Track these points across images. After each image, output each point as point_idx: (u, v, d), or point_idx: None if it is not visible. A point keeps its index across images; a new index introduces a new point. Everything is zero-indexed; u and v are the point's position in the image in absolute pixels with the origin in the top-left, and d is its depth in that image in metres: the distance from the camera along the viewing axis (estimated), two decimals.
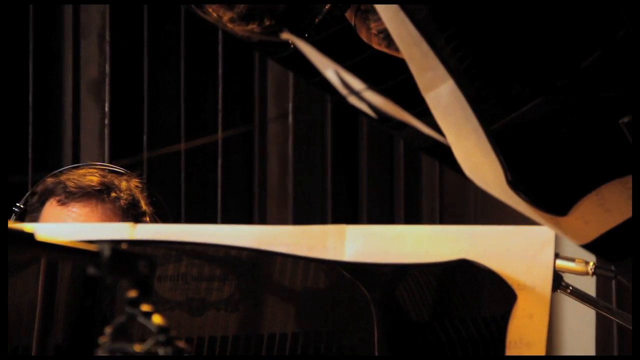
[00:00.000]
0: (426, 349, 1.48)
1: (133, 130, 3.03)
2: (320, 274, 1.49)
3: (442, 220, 2.94)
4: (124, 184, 2.12)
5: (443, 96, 1.20)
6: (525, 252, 1.49)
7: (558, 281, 1.65)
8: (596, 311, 1.95)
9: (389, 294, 1.49)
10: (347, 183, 3.06)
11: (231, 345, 1.43)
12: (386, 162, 3.06)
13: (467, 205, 2.98)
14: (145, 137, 3.01)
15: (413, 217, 2.99)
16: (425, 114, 1.22)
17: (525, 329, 1.48)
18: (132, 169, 2.22)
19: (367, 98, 1.28)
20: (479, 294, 1.50)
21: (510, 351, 1.47)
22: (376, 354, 1.45)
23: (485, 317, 1.50)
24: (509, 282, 1.48)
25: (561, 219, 1.21)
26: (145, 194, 2.14)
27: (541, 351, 1.47)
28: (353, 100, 1.28)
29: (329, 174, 3.02)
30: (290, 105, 3.02)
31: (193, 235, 1.46)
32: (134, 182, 2.14)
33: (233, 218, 3.00)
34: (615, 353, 2.66)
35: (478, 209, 2.94)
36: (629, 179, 1.19)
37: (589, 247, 1.27)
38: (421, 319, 1.50)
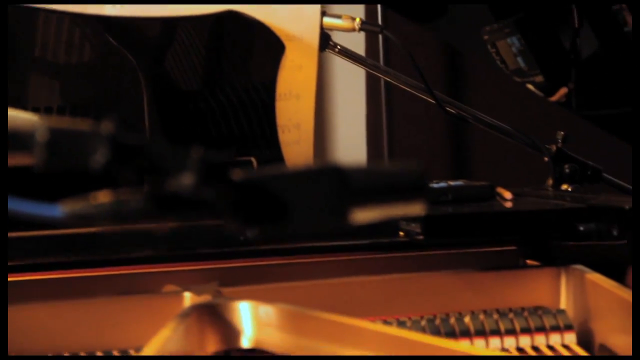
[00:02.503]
0: (197, 116, 1.47)
1: None
2: (85, 44, 1.44)
3: None
4: None
5: None
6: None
7: (326, 40, 1.65)
8: (365, 70, 1.97)
9: (156, 61, 1.46)
10: None
11: None
12: None
13: None
14: None
15: None
16: None
17: (294, 81, 1.49)
18: None
19: None
20: (248, 47, 1.49)
21: (279, 103, 1.48)
22: (147, 124, 1.43)
23: (254, 82, 1.49)
24: (277, 32, 1.47)
25: None
26: None
27: (310, 102, 1.49)
28: None
29: None
30: None
31: None
32: None
33: None
34: (383, 105, 2.74)
35: None
36: None
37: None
38: (191, 87, 1.49)
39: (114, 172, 0.68)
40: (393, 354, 1.01)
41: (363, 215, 0.72)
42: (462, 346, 0.97)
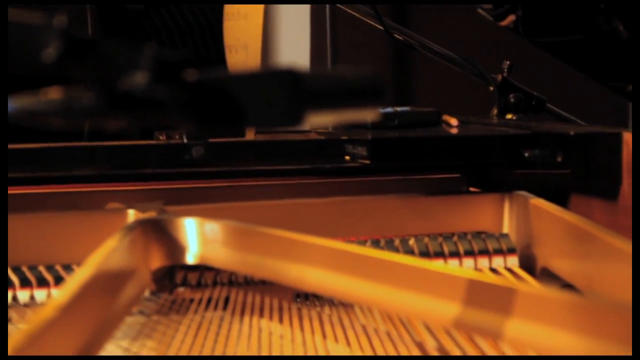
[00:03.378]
0: (142, 36, 1.45)
1: None
2: None
3: None
4: None
5: None
6: None
7: None
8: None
9: None
10: None
11: None
12: None
13: None
14: None
15: None
16: None
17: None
18: None
19: None
20: None
21: (227, 23, 1.46)
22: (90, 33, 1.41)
23: (203, 8, 1.47)
24: None
25: None
26: None
27: (258, 22, 1.47)
28: None
29: None
30: None
31: None
32: None
33: None
34: (328, 31, 2.72)
35: None
36: None
37: None
38: (136, 6, 1.47)
39: (66, 67, 0.67)
40: (340, 268, 1.01)
41: (320, 119, 0.71)
42: (408, 259, 0.97)
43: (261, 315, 1.09)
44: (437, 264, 1.05)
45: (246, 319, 1.07)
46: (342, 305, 1.13)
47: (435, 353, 0.96)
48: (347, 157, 1.45)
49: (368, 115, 0.72)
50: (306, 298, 1.16)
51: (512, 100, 1.64)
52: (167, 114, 0.68)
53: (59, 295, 0.81)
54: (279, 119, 0.70)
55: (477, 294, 0.89)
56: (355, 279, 1.01)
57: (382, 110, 1.48)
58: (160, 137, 1.39)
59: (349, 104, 0.71)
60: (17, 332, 0.70)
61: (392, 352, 0.97)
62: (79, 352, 0.82)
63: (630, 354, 0.77)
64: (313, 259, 1.04)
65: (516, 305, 0.86)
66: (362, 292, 1.00)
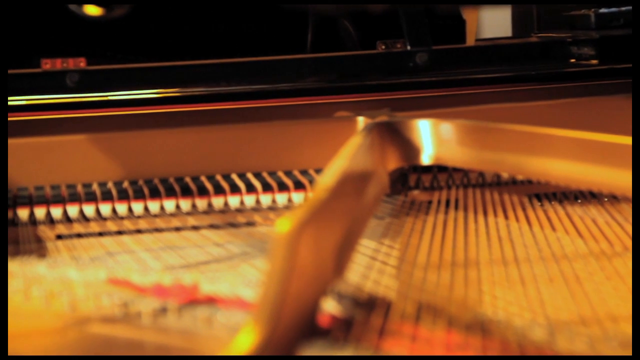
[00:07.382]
0: None
1: None
2: None
3: None
4: None
5: None
6: None
7: None
8: None
9: None
10: None
11: None
12: None
13: None
14: None
15: None
16: None
17: None
18: None
19: None
20: None
21: None
22: None
23: None
24: None
25: None
26: None
27: None
28: None
29: None
30: None
31: None
32: None
33: None
34: None
35: None
36: None
37: None
38: None
39: None
40: (584, 158, 0.99)
41: None
42: None
43: (505, 214, 1.07)
44: None
45: (490, 217, 1.06)
46: (577, 202, 1.12)
47: None
48: (572, 60, 1.42)
49: None
50: (539, 199, 1.14)
51: None
52: None
53: (322, 181, 0.82)
54: None
55: None
56: (601, 167, 0.98)
57: (605, 10, 1.44)
58: (382, 47, 1.39)
59: None
60: (295, 211, 0.70)
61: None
62: (342, 238, 0.82)
63: None
64: (556, 150, 1.02)
65: None
66: (611, 179, 0.97)
